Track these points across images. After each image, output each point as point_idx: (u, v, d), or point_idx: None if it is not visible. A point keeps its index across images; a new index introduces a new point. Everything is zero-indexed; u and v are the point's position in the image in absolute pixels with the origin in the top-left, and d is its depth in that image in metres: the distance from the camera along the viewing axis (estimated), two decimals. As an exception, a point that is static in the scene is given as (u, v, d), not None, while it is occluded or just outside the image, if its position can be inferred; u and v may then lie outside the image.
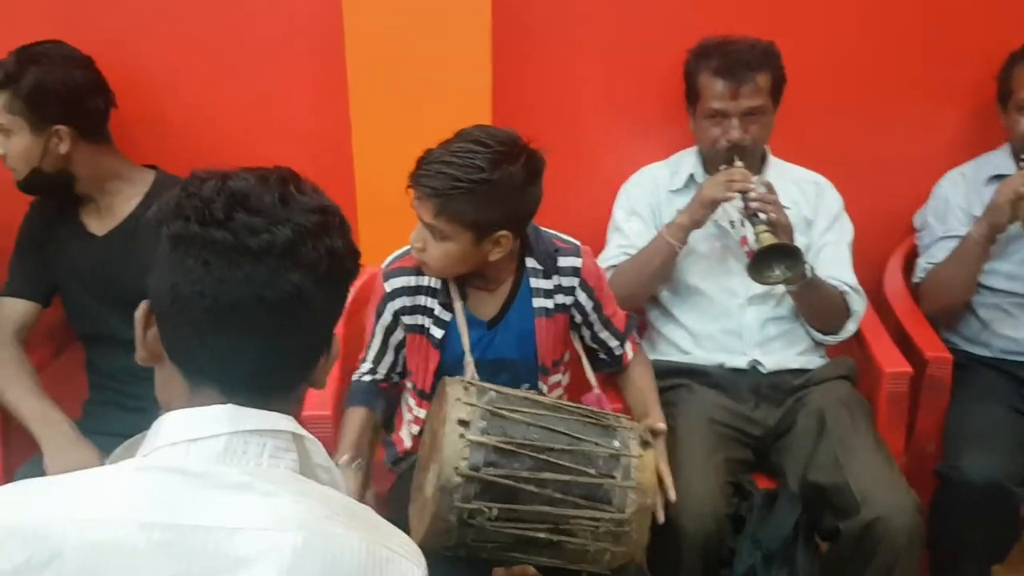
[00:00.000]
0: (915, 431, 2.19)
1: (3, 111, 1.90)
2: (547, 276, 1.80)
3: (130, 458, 0.95)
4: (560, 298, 1.81)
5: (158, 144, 2.19)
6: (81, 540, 0.84)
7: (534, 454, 1.52)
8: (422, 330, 1.79)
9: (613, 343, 1.92)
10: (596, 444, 1.57)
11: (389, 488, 1.90)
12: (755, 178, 2.09)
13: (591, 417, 1.62)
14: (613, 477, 1.55)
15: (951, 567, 2.09)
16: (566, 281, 1.81)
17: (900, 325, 2.28)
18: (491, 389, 1.59)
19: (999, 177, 2.21)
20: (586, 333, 1.89)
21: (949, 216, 2.29)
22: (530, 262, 1.80)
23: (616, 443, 1.58)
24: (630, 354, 1.95)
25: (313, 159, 2.27)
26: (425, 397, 1.81)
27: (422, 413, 1.83)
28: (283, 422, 0.96)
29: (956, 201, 2.29)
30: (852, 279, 2.17)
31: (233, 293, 0.91)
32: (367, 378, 1.88)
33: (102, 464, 0.99)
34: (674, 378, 2.13)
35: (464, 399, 1.53)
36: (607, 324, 1.89)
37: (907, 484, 1.85)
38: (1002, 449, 2.00)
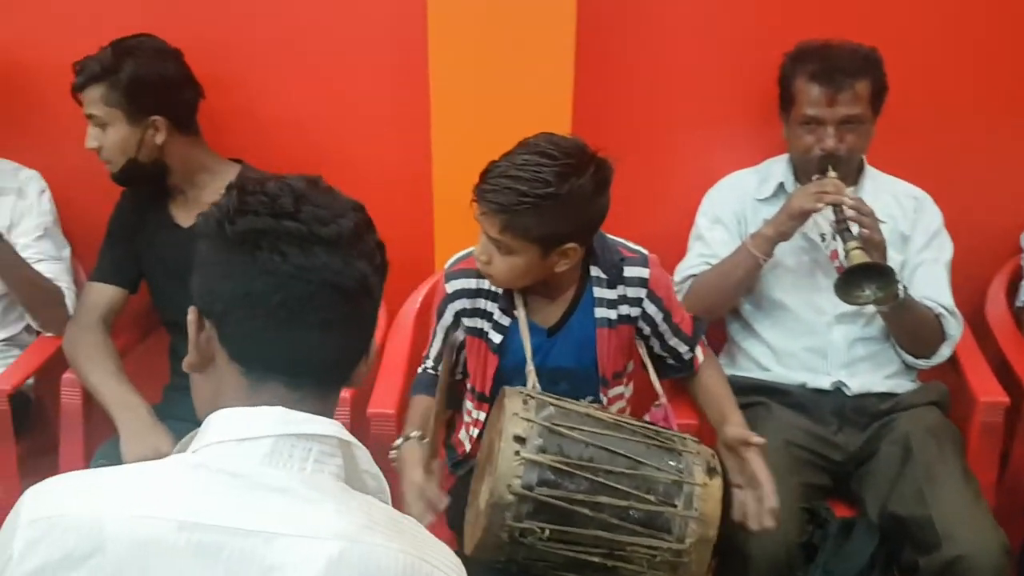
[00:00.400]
0: (1010, 465, 2.06)
1: (100, 104, 1.95)
2: (611, 286, 1.74)
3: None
4: (625, 309, 1.76)
5: (242, 139, 2.22)
6: (123, 535, 0.85)
7: (591, 476, 1.48)
8: (481, 334, 1.77)
9: (683, 348, 1.85)
10: (658, 469, 1.52)
11: (448, 491, 1.89)
12: (848, 190, 2.00)
13: (655, 438, 1.57)
14: (674, 505, 1.49)
15: (1045, 613, 1.97)
16: (632, 292, 1.75)
17: (1000, 351, 2.15)
18: (551, 403, 1.55)
19: None
20: (655, 343, 1.83)
21: (1059, 236, 2.14)
22: (594, 271, 1.74)
23: (680, 469, 1.52)
24: (700, 358, 1.88)
25: (392, 162, 2.28)
26: (484, 400, 1.79)
27: (481, 416, 1.81)
28: (330, 427, 0.96)
29: (1070, 220, 2.14)
30: (949, 301, 2.05)
31: (310, 282, 0.93)
32: (431, 371, 1.87)
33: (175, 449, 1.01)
34: (752, 395, 2.05)
35: (522, 414, 1.50)
36: (676, 331, 1.82)
37: (995, 522, 1.75)
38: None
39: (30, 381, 2.17)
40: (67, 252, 2.23)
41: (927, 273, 2.07)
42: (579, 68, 2.07)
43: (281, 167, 2.06)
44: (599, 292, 1.75)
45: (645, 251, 1.79)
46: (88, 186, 2.16)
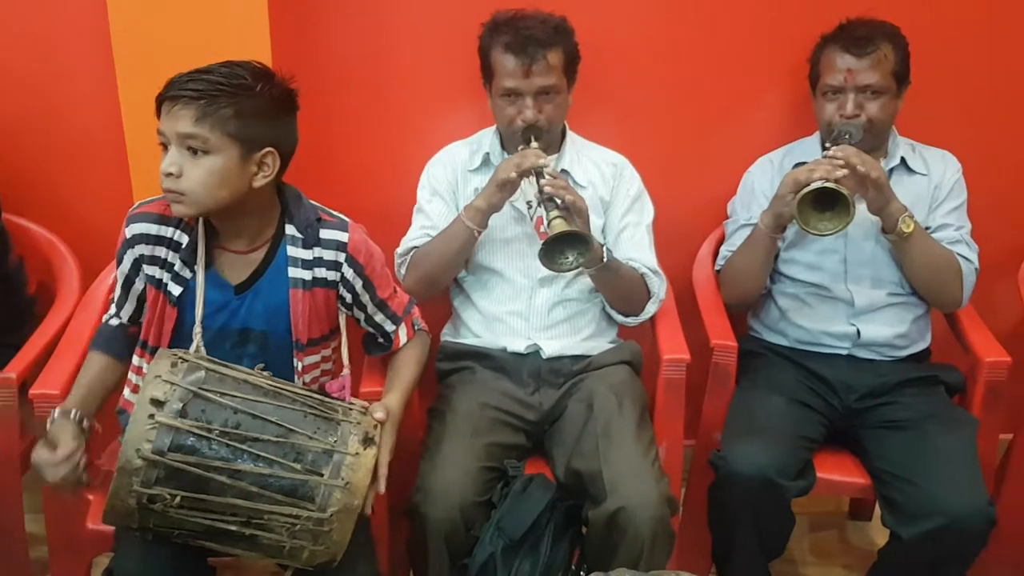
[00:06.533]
0: (702, 419, 2.17)
1: None
2: (307, 246, 1.71)
3: None
4: (321, 272, 1.73)
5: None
6: None
7: (233, 443, 1.47)
8: (160, 285, 1.70)
9: (389, 327, 1.86)
10: (310, 437, 1.51)
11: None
12: (551, 158, 2.05)
13: (316, 407, 1.56)
14: (320, 474, 1.49)
15: (728, 556, 2.09)
16: (329, 255, 1.72)
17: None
18: (206, 367, 1.52)
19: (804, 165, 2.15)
20: (360, 315, 1.83)
21: (753, 203, 2.24)
22: (289, 229, 1.70)
23: (333, 438, 1.53)
24: (403, 338, 1.88)
25: (79, 105, 2.22)
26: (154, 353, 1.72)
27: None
28: None
29: (761, 188, 2.25)
30: (652, 261, 2.14)
31: None
32: (114, 321, 1.80)
33: None
34: (461, 360, 2.12)
35: (166, 376, 1.47)
36: (382, 306, 1.83)
37: (660, 474, 1.85)
38: (774, 441, 1.98)
39: None
40: None
41: (631, 236, 2.16)
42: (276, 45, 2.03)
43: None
44: (293, 251, 1.70)
45: (346, 218, 1.77)
46: None
